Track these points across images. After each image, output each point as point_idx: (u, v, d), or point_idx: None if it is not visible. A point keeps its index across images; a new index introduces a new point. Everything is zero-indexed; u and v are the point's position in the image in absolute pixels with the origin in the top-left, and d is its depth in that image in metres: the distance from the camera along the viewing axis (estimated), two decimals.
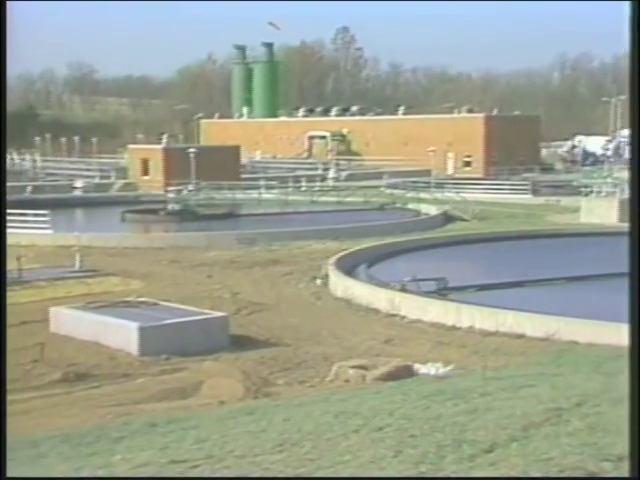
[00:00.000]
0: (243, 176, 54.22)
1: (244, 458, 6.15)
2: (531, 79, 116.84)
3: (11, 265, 22.61)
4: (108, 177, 55.54)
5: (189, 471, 5.96)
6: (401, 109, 79.50)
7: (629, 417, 4.86)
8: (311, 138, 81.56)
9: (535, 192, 46.03)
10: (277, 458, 6.02)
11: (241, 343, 15.63)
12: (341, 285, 20.73)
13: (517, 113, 76.63)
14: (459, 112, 74.13)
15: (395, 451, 5.93)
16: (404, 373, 12.78)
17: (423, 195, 44.36)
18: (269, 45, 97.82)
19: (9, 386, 12.61)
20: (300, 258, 26.14)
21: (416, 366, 13.16)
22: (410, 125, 73.00)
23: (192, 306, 17.18)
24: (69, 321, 16.24)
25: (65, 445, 7.66)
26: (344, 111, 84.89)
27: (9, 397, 12.01)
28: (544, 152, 76.67)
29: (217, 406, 11.31)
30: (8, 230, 28.37)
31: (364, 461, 5.80)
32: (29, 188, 47.21)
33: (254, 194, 45.58)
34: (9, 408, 11.41)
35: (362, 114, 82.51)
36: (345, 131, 79.39)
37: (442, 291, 19.40)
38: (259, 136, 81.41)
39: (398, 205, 41.71)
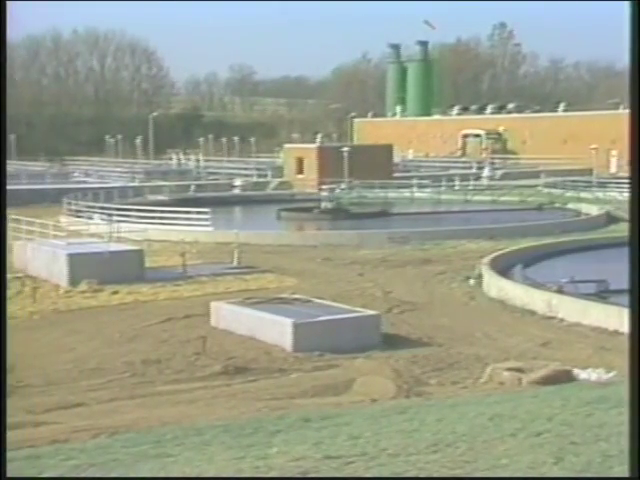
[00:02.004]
0: (395, 175, 54.19)
1: (398, 457, 6.13)
2: None
3: (176, 261, 23.79)
4: (265, 176, 57.12)
5: (344, 467, 6.02)
6: (561, 106, 76.77)
7: (629, 417, 4.61)
8: (465, 136, 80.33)
9: None
10: (431, 458, 5.96)
11: (393, 342, 15.62)
12: (495, 285, 20.27)
13: None
14: (625, 108, 70.65)
15: (556, 458, 5.72)
16: (563, 378, 12.32)
17: (584, 195, 42.66)
18: (424, 43, 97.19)
19: (176, 376, 13.32)
20: (453, 257, 25.80)
21: (576, 371, 12.66)
22: (570, 122, 70.37)
23: (344, 304, 17.33)
24: (228, 316, 16.83)
25: (226, 435, 7.94)
26: (500, 109, 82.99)
27: (177, 386, 12.70)
28: None
29: (369, 404, 11.36)
30: (175, 227, 30.04)
31: (523, 466, 5.64)
32: (192, 187, 49.36)
33: (406, 193, 45.43)
34: (177, 397, 12.07)
35: (519, 112, 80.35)
36: (501, 129, 77.57)
37: (603, 294, 18.55)
38: (412, 135, 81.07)
39: (557, 205, 40.30)
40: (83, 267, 21.57)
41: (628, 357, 4.88)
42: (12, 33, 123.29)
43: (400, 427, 7.73)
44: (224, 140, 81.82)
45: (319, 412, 9.74)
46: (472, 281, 21.48)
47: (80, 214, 33.99)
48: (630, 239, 5.04)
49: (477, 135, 78.62)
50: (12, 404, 11.79)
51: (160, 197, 44.17)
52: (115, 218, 27.83)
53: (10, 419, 10.70)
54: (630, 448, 4.78)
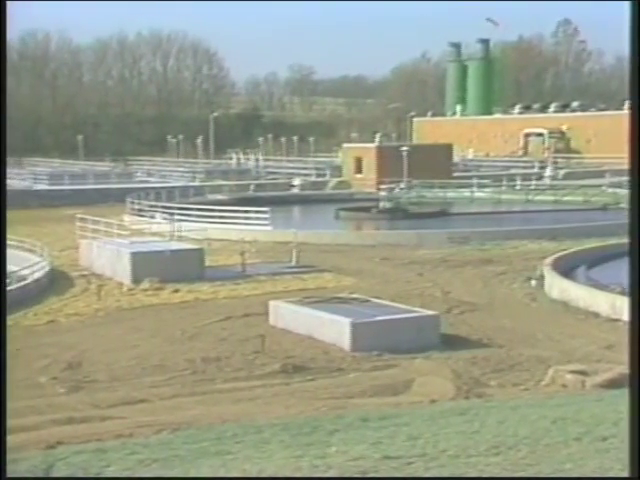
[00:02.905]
0: (455, 174, 53.69)
1: (458, 458, 6.07)
2: None
3: (235, 260, 24.02)
4: (323, 175, 57.20)
5: (403, 467, 5.99)
6: (627, 104, 74.99)
7: (629, 417, 4.56)
8: (527, 136, 79.15)
9: None
10: (493, 461, 5.88)
11: (452, 342, 15.48)
12: (557, 287, 19.91)
13: None
14: None
15: (623, 464, 5.58)
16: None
17: None
18: (485, 42, 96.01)
19: (235, 374, 13.45)
20: (514, 258, 25.45)
21: None
22: None
23: (402, 304, 17.26)
24: (286, 315, 16.90)
25: (285, 433, 7.97)
26: (564, 107, 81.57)
27: (236, 384, 12.83)
28: None
29: (428, 404, 11.27)
30: (234, 226, 30.35)
31: (587, 471, 5.52)
32: (252, 186, 49.75)
33: (466, 193, 44.95)
34: (237, 394, 12.19)
35: (583, 110, 78.82)
36: (564, 128, 76.19)
37: None
38: (472, 134, 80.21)
39: (622, 205, 39.34)
40: (145, 265, 21.94)
41: (629, 357, 4.81)
42: (80, 37, 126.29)
43: (460, 428, 7.65)
44: (283, 140, 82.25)
45: (378, 412, 9.71)
46: (534, 282, 21.15)
47: (143, 213, 34.57)
48: (630, 239, 4.99)
49: (539, 134, 77.37)
50: (79, 399, 12.11)
51: (220, 196, 44.62)
52: (176, 217, 28.23)
53: (78, 413, 11.00)
54: (630, 448, 4.66)
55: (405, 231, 32.07)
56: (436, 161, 50.51)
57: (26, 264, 22.73)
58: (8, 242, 25.59)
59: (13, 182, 53.41)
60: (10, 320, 17.76)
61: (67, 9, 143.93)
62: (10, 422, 10.39)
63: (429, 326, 15.78)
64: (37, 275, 21.60)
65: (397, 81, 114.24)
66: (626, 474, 5.36)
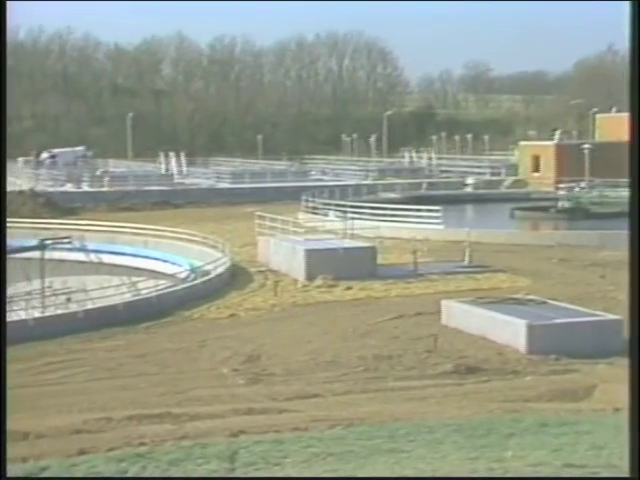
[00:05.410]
0: None
1: None
2: None
3: (407, 259, 23.97)
4: (498, 174, 55.94)
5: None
6: None
7: (629, 417, 4.43)
8: None
9: None
10: None
11: None
12: None
13: None
14: None
15: None
16: None
17: None
18: None
19: (407, 373, 13.42)
20: None
21: None
22: None
23: (582, 307, 16.60)
24: (459, 314, 16.68)
25: (458, 435, 7.85)
26: None
27: (408, 383, 12.80)
28: None
29: (612, 413, 10.69)
30: (406, 225, 30.32)
31: None
32: (424, 185, 49.51)
33: None
34: (408, 393, 12.15)
35: None
36: None
37: None
38: None
39: None
40: (319, 262, 22.37)
41: (628, 357, 4.50)
42: (262, 39, 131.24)
43: None
44: (457, 138, 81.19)
45: (557, 418, 9.35)
46: None
47: (317, 211, 35.28)
48: (630, 238, 4.71)
49: None
50: (258, 391, 12.56)
51: (392, 195, 44.70)
52: (349, 215, 28.56)
53: (257, 405, 11.41)
54: (630, 448, 4.46)
55: (586, 231, 30.71)
56: (621, 159, 47.67)
57: (209, 260, 23.85)
58: (194, 238, 27.06)
59: (199, 181, 56.32)
60: (195, 313, 18.71)
61: (252, 13, 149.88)
62: (198, 409, 10.95)
63: (612, 331, 15.02)
64: (219, 270, 22.60)
65: (580, 76, 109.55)
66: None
